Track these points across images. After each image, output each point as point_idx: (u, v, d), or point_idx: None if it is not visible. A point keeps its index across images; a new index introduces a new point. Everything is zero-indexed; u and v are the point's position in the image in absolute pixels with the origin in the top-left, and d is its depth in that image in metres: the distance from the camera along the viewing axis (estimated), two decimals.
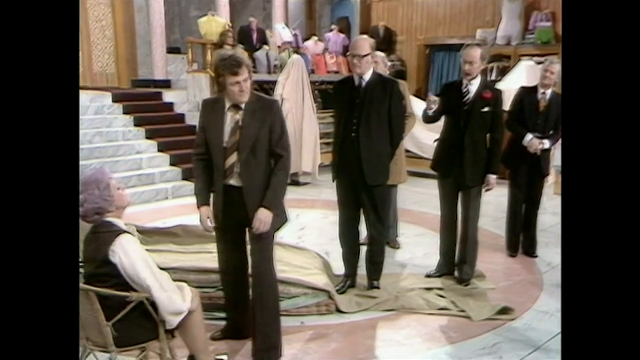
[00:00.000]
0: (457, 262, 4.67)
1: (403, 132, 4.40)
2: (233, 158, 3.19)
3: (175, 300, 2.76)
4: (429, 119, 4.66)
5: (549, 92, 5.10)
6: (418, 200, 7.31)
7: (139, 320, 2.72)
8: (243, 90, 3.12)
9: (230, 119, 3.20)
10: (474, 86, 4.37)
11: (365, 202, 4.24)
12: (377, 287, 4.39)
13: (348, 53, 4.20)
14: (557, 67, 5.01)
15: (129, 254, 2.68)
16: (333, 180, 4.36)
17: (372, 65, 4.15)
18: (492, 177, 4.44)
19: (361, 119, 4.08)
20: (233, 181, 3.25)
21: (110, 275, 2.67)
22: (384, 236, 4.47)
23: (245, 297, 3.47)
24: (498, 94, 4.46)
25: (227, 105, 3.21)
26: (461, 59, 4.42)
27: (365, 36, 4.36)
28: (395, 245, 5.53)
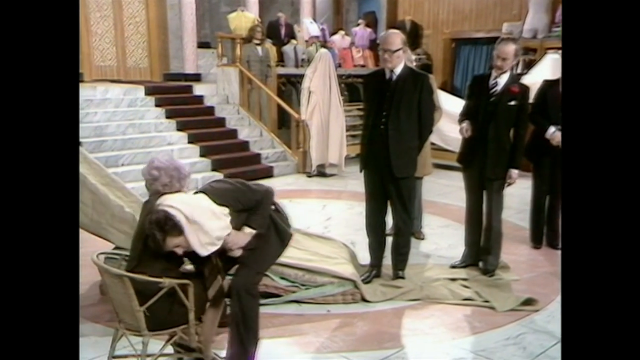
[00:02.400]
0: (481, 253, 4.70)
1: (432, 126, 4.42)
2: None
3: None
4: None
5: None
6: (443, 192, 7.34)
7: (171, 305, 2.80)
8: None
9: None
10: (502, 80, 4.40)
11: (392, 194, 4.30)
12: (403, 277, 4.45)
13: (379, 47, 4.23)
14: None
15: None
16: (360, 171, 4.42)
17: (403, 59, 4.19)
18: (514, 172, 4.46)
19: (390, 112, 4.13)
20: None
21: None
22: (409, 227, 4.53)
23: None
24: (525, 89, 4.48)
25: None
26: (494, 53, 4.42)
27: (396, 31, 4.39)
28: (419, 236, 5.58)
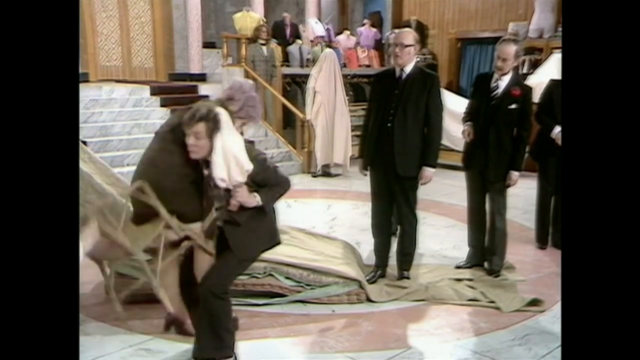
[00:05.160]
0: (486, 253, 4.69)
1: (442, 128, 4.29)
2: None
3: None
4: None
5: None
6: (448, 193, 7.33)
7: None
8: None
9: None
10: (504, 82, 4.38)
11: (397, 193, 4.30)
12: (408, 278, 4.44)
13: (392, 42, 4.25)
14: None
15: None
16: (362, 170, 4.43)
17: (414, 57, 4.19)
18: (515, 174, 4.43)
19: (398, 110, 4.13)
20: None
21: None
22: (415, 228, 4.50)
23: None
24: (527, 91, 4.44)
25: None
26: (496, 54, 4.42)
27: (410, 29, 4.41)
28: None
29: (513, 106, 4.35)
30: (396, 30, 5.00)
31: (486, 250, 4.69)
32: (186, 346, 3.41)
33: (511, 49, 4.32)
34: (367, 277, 4.36)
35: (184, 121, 2.87)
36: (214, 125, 2.82)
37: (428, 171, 4.21)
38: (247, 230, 3.01)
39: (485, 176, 4.51)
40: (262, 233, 3.09)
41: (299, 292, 4.03)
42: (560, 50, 9.02)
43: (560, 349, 3.50)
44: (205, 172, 2.97)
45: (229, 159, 2.86)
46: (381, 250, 4.53)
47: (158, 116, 9.00)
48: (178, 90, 9.90)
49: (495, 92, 4.39)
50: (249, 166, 2.90)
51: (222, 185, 2.89)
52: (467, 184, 4.73)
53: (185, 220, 3.07)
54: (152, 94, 9.32)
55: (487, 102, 4.41)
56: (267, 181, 3.01)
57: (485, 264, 4.71)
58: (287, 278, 4.05)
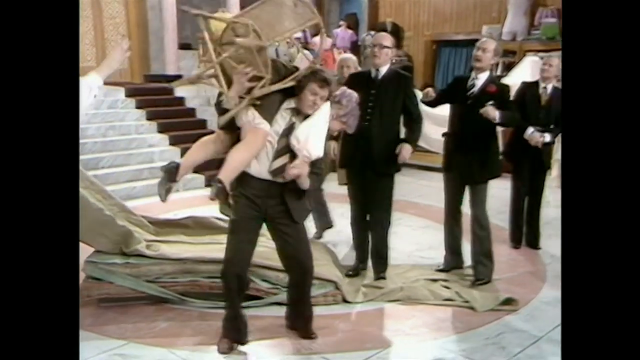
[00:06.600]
0: (472, 262, 4.61)
1: (422, 119, 4.40)
2: None
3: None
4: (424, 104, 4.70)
5: (550, 86, 5.18)
6: (423, 194, 7.39)
7: None
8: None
9: None
10: (480, 80, 4.40)
11: (373, 192, 4.38)
12: (384, 278, 4.49)
13: (369, 44, 4.36)
14: (556, 61, 5.10)
15: None
16: (340, 167, 4.49)
17: (389, 59, 4.33)
18: (406, 146, 4.27)
19: (375, 109, 4.21)
20: None
21: None
22: (387, 228, 4.54)
23: None
24: (503, 88, 4.49)
25: None
26: (476, 46, 4.44)
27: (387, 34, 4.56)
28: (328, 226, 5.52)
29: (489, 103, 4.31)
30: (372, 32, 5.07)
31: (471, 258, 4.61)
32: (161, 350, 3.40)
33: (492, 43, 4.43)
34: (349, 271, 4.49)
35: (316, 77, 3.23)
36: (322, 82, 3.22)
37: (408, 147, 4.24)
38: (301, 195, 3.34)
39: (466, 178, 4.48)
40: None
41: (275, 294, 4.03)
42: (533, 52, 9.19)
43: (532, 346, 3.58)
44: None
45: (317, 133, 3.22)
46: (361, 245, 4.62)
47: (133, 118, 8.91)
48: (153, 92, 9.80)
49: (472, 90, 4.40)
50: (321, 152, 3.26)
51: (297, 147, 3.19)
52: (446, 186, 4.67)
53: None
54: (127, 95, 9.21)
55: (463, 101, 4.42)
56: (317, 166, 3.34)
57: (472, 271, 4.60)
58: (264, 280, 4.05)
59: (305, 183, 3.22)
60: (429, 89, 4.54)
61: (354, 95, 3.63)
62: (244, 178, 3.28)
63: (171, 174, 3.29)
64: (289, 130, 3.25)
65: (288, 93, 3.30)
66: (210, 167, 8.32)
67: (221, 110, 3.31)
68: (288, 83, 3.26)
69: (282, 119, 3.27)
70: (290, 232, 3.39)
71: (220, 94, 3.34)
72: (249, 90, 3.19)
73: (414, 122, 4.35)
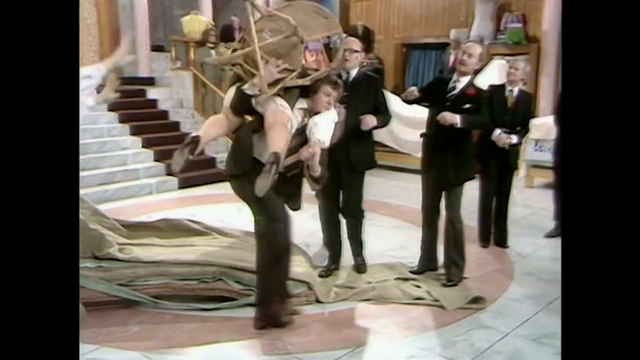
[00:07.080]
0: (444, 263, 4.66)
1: (390, 114, 4.65)
2: None
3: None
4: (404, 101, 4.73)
5: (516, 89, 5.32)
6: (395, 194, 7.45)
7: None
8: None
9: None
10: (461, 83, 4.41)
11: (347, 189, 4.57)
12: (364, 264, 4.74)
13: (341, 47, 4.53)
14: (521, 64, 5.26)
15: None
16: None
17: (358, 63, 4.58)
18: (369, 117, 4.41)
19: (348, 110, 4.29)
20: None
21: None
22: (361, 221, 4.75)
23: None
24: (481, 92, 4.51)
25: None
26: (462, 50, 4.53)
27: (356, 39, 4.84)
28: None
29: (467, 106, 4.35)
30: (343, 36, 5.23)
31: (444, 259, 4.66)
32: (134, 354, 3.40)
33: (478, 48, 4.50)
34: (321, 272, 4.58)
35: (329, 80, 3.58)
36: (334, 84, 3.58)
37: (371, 116, 4.40)
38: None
39: (442, 178, 4.48)
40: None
41: (248, 295, 4.05)
42: (499, 56, 9.35)
43: (500, 342, 3.66)
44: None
45: (326, 124, 3.55)
46: (334, 244, 4.71)
47: (105, 120, 8.85)
48: (126, 95, 9.71)
49: (452, 93, 4.42)
50: (328, 143, 3.58)
51: (312, 131, 3.50)
52: (424, 187, 4.69)
53: None
54: None
55: (442, 103, 4.41)
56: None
57: (444, 272, 4.65)
58: (237, 282, 4.07)
59: (318, 168, 3.47)
60: (414, 88, 4.55)
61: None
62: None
63: (194, 146, 3.43)
64: (302, 129, 3.55)
65: (301, 93, 3.56)
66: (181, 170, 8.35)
67: (242, 94, 3.50)
68: (308, 81, 3.52)
69: (294, 117, 3.50)
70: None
71: (239, 79, 3.60)
72: (276, 81, 3.39)
73: (381, 113, 4.54)
